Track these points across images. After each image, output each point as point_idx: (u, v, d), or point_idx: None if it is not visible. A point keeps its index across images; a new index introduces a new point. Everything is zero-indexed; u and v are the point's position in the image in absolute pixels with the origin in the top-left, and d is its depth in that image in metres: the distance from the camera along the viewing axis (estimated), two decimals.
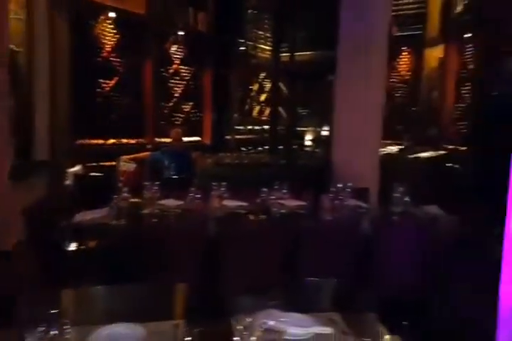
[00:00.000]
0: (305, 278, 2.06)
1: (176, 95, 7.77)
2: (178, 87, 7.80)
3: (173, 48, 7.61)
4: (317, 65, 8.68)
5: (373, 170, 4.61)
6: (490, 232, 2.50)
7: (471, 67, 6.96)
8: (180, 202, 3.10)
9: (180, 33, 7.66)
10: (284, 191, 3.32)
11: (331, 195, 3.19)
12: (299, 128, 9.59)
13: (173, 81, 7.67)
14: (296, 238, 2.61)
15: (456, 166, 6.04)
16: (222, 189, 3.16)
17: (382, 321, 1.53)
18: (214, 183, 3.20)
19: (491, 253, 2.45)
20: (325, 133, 8.51)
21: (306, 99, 9.67)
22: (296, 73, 9.26)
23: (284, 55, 9.30)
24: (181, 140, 5.48)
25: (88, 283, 2.38)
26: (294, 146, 9.10)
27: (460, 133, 6.96)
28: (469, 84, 6.94)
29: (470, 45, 7.06)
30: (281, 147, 8.89)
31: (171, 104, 7.66)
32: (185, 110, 8.02)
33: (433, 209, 3.30)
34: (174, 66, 7.67)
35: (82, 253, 2.73)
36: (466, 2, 7.33)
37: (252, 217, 2.99)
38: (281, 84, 9.46)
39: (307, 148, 9.38)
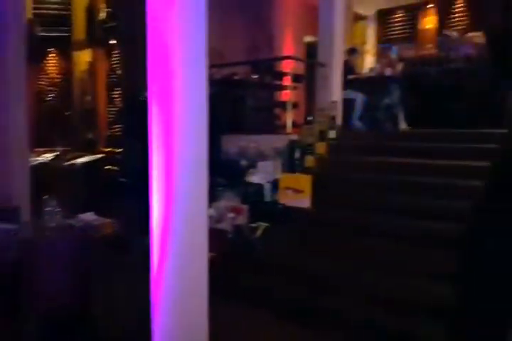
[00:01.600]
0: None
1: None
2: None
3: None
4: None
5: (24, 184, 4.08)
6: (140, 228, 2.66)
7: (119, 72, 7.27)
8: None
9: None
10: None
11: None
12: None
13: None
14: None
15: (115, 168, 6.18)
16: None
17: None
18: None
19: (140, 245, 2.63)
20: None
21: None
22: None
23: None
24: None
25: None
26: None
27: (115, 136, 7.20)
28: (119, 88, 7.24)
29: (116, 52, 7.36)
30: None
31: None
32: None
33: (89, 216, 3.24)
34: None
35: None
36: (108, 10, 7.57)
37: None
38: None
39: None
